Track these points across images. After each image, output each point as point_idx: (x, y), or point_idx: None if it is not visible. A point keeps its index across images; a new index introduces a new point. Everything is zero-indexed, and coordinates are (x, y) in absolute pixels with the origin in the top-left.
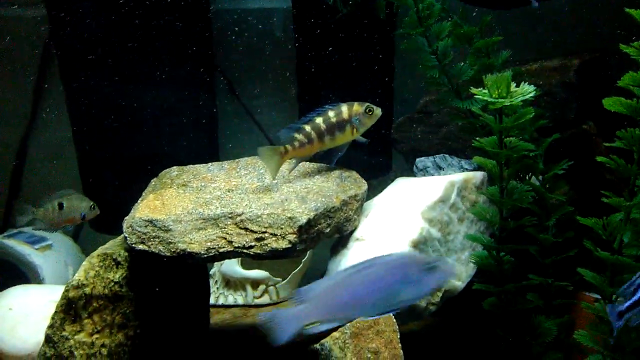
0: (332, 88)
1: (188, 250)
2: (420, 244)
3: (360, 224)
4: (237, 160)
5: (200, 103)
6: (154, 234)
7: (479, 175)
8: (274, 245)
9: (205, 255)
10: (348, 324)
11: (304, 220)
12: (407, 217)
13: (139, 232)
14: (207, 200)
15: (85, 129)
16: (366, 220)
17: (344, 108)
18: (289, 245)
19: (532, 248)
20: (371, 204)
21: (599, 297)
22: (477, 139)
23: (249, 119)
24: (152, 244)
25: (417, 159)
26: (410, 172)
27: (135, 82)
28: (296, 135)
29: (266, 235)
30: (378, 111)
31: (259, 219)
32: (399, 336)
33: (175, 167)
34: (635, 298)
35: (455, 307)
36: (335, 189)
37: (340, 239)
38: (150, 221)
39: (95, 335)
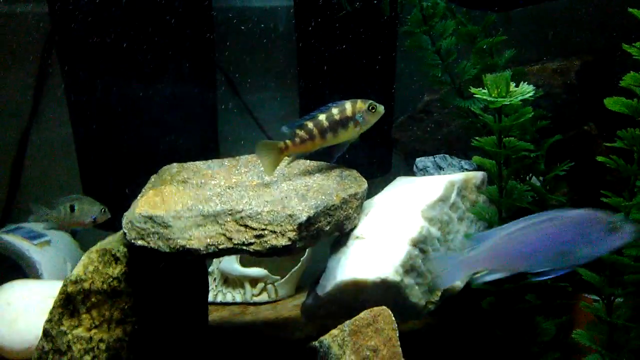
0: (333, 86)
1: (187, 246)
2: (420, 243)
3: (360, 223)
4: (237, 157)
5: (201, 100)
6: (153, 230)
7: (479, 175)
8: (274, 242)
9: (204, 252)
10: (347, 322)
11: (304, 218)
12: (407, 216)
13: (139, 227)
14: (207, 197)
15: (85, 125)
16: (366, 218)
17: (348, 105)
18: (289, 243)
19: None
20: (371, 202)
21: (597, 298)
22: (477, 138)
23: (250, 116)
24: (151, 240)
25: (417, 159)
26: (410, 171)
27: (136, 79)
28: (298, 131)
29: (266, 232)
30: (381, 108)
31: (259, 216)
32: (398, 334)
33: (175, 163)
34: None
35: (455, 306)
36: (336, 187)
37: (340, 237)
38: (150, 217)
39: (94, 330)
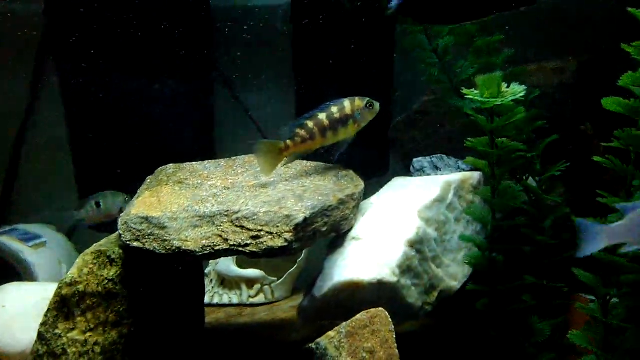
0: (330, 86)
1: (183, 248)
2: (416, 244)
3: (357, 223)
4: (234, 157)
5: (198, 100)
6: (149, 231)
7: (476, 176)
8: (270, 243)
9: (200, 253)
10: (343, 324)
11: (301, 219)
12: (404, 217)
13: (134, 229)
14: (203, 197)
15: (80, 125)
16: (363, 219)
17: (347, 103)
18: (285, 244)
19: (527, 248)
20: (368, 203)
21: (594, 298)
22: (470, 139)
23: (247, 116)
24: (146, 242)
25: (414, 159)
26: (407, 172)
27: (132, 79)
28: (298, 130)
29: (262, 233)
30: (377, 105)
31: (255, 217)
32: (394, 336)
33: (171, 164)
34: None
35: (451, 307)
36: (333, 188)
37: (337, 237)
38: (146, 218)
39: (89, 333)
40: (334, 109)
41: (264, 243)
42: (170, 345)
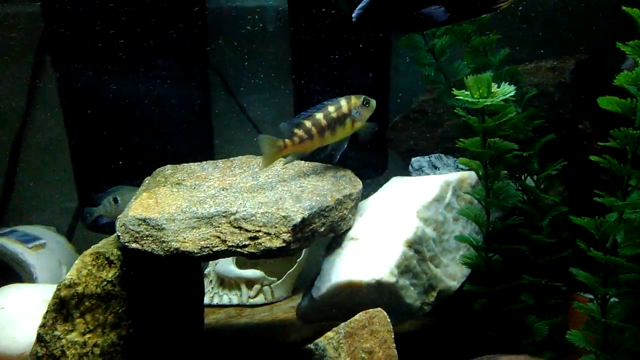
0: (327, 86)
1: (181, 249)
2: (415, 244)
3: (355, 223)
4: (231, 158)
5: (195, 101)
6: (147, 232)
7: (474, 175)
8: (268, 244)
9: (198, 254)
10: (342, 324)
11: (299, 219)
12: (402, 217)
13: (132, 230)
14: (201, 199)
15: (78, 126)
16: (361, 219)
17: (343, 102)
18: (283, 244)
19: (524, 248)
20: (366, 203)
21: (592, 297)
22: (461, 139)
23: (244, 116)
24: (145, 243)
25: (413, 159)
26: (405, 171)
27: (129, 80)
28: (296, 130)
29: (260, 234)
30: (373, 102)
31: (253, 217)
32: (393, 336)
33: (169, 165)
34: None
35: (450, 307)
36: (330, 188)
37: (335, 238)
38: (144, 220)
39: (88, 335)
40: (331, 108)
41: (262, 244)
42: (169, 346)
